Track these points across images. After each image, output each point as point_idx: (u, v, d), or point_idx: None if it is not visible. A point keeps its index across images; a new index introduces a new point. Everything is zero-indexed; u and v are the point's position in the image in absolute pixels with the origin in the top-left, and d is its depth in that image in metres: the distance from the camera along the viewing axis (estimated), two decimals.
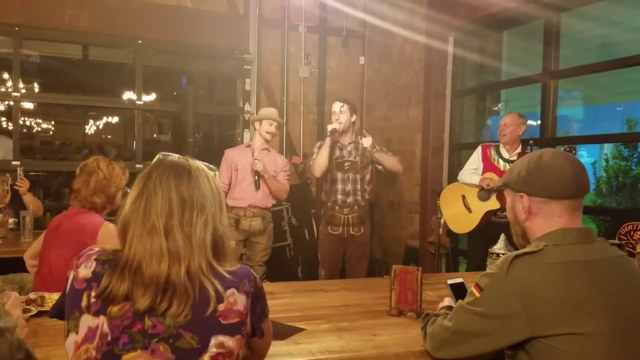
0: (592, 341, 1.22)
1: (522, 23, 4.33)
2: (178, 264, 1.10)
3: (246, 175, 3.92)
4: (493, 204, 3.62)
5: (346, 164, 3.76)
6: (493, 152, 3.77)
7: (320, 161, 3.69)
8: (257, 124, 3.99)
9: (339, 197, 3.76)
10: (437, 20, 4.57)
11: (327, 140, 3.69)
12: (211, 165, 1.27)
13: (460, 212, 3.81)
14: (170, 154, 1.25)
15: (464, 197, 3.83)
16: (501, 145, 3.75)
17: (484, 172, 3.76)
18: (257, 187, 3.89)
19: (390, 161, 3.82)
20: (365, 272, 3.91)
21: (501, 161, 3.72)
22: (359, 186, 3.76)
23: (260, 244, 3.99)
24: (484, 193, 3.71)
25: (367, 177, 3.83)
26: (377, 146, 3.80)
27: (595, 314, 1.23)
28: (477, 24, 4.39)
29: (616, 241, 1.42)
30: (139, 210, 1.13)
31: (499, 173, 3.63)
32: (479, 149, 3.86)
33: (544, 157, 1.39)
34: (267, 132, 3.92)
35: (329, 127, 3.71)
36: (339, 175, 3.76)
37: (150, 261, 1.09)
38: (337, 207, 3.76)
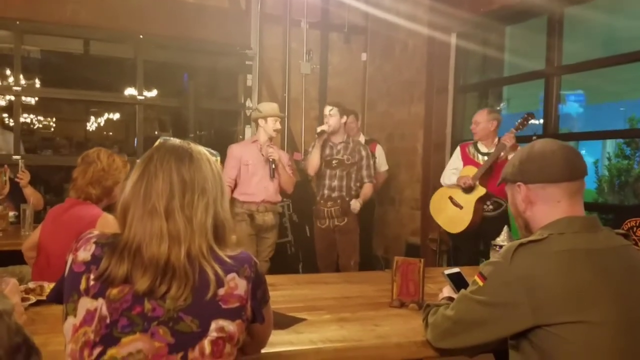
0: (597, 330, 1.21)
1: (525, 18, 4.31)
2: (178, 246, 1.09)
3: (257, 170, 3.91)
4: (479, 190, 3.67)
5: (334, 161, 3.98)
6: (472, 149, 3.85)
7: (312, 161, 3.95)
8: (261, 122, 3.96)
9: (326, 192, 3.98)
10: (440, 14, 4.55)
11: (317, 141, 3.94)
12: (212, 151, 1.27)
13: (452, 212, 3.84)
14: (171, 138, 1.23)
15: (451, 197, 3.87)
16: (478, 141, 3.82)
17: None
18: (273, 175, 3.89)
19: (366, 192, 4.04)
20: (356, 262, 3.99)
21: (480, 155, 3.80)
22: (344, 183, 3.97)
23: (269, 239, 4.02)
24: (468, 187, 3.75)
25: (354, 174, 3.99)
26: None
27: (599, 302, 1.22)
28: (480, 18, 4.37)
29: (621, 231, 1.40)
30: (139, 192, 1.12)
31: (479, 166, 3.71)
32: (458, 149, 3.95)
33: (536, 145, 1.42)
34: (275, 130, 3.93)
35: (318, 129, 3.95)
36: (328, 172, 3.98)
37: (150, 242, 1.09)
38: (322, 201, 3.99)
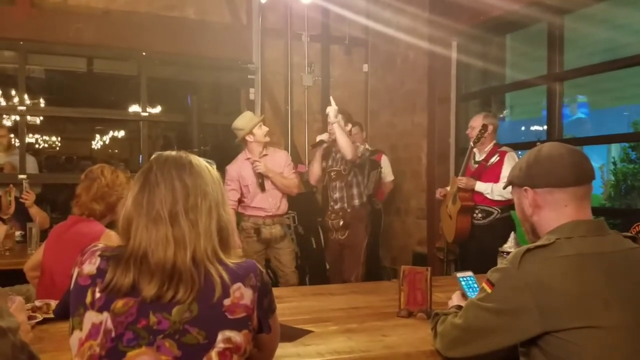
0: (608, 334, 1.19)
1: (525, 26, 4.32)
2: (184, 250, 1.09)
3: (257, 188, 3.85)
4: (458, 204, 3.72)
5: (332, 173, 3.92)
6: (472, 156, 3.86)
7: (312, 170, 3.96)
8: (249, 137, 3.83)
9: (331, 204, 3.95)
10: (440, 25, 4.57)
11: (316, 152, 3.90)
12: (208, 160, 1.28)
13: (446, 221, 3.95)
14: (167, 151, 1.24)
15: (446, 206, 3.94)
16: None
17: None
18: (263, 189, 3.81)
19: (344, 142, 3.67)
20: (358, 276, 3.90)
21: (472, 162, 3.83)
22: (345, 193, 3.88)
23: (286, 249, 3.94)
24: (454, 198, 3.80)
25: (354, 182, 3.87)
26: (341, 120, 3.75)
27: (609, 306, 1.21)
28: (479, 28, 4.39)
29: (629, 234, 1.39)
30: (142, 202, 1.13)
31: (470, 174, 3.75)
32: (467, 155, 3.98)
33: (544, 149, 1.39)
34: (265, 135, 3.84)
35: (317, 138, 3.88)
36: (330, 184, 3.95)
37: (156, 249, 1.09)
38: (328, 213, 3.97)
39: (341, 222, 3.88)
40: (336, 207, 3.89)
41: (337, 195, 3.89)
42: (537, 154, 1.39)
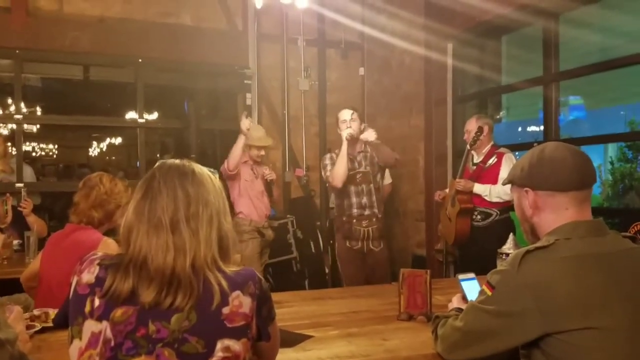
0: (609, 335, 1.19)
1: (519, 28, 4.33)
2: (183, 256, 1.09)
3: (254, 187, 4.08)
4: (456, 207, 3.72)
5: (358, 175, 3.63)
6: (470, 158, 3.86)
7: (340, 171, 3.52)
8: (245, 148, 4.08)
9: (355, 210, 3.61)
10: (435, 28, 4.58)
11: (344, 147, 3.54)
12: (211, 169, 1.28)
13: (446, 224, 3.93)
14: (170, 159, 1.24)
15: (446, 209, 3.93)
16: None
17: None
18: (271, 195, 4.16)
19: (387, 155, 3.66)
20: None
21: (470, 164, 3.84)
22: (374, 197, 3.63)
23: (267, 253, 4.25)
24: (453, 200, 3.80)
25: (380, 185, 3.72)
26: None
27: (610, 307, 1.20)
28: (474, 31, 4.40)
29: (629, 233, 1.38)
30: (143, 210, 1.13)
31: (468, 176, 3.76)
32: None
33: (546, 150, 1.38)
34: (258, 156, 4.12)
35: (345, 133, 3.54)
36: (352, 188, 3.62)
37: (156, 254, 1.09)
38: (354, 221, 3.61)
39: (377, 230, 3.61)
40: (366, 212, 3.59)
41: (365, 200, 3.60)
42: (539, 154, 1.38)
